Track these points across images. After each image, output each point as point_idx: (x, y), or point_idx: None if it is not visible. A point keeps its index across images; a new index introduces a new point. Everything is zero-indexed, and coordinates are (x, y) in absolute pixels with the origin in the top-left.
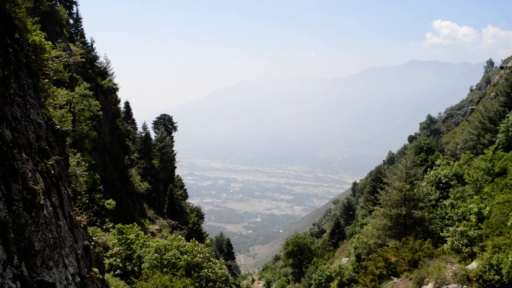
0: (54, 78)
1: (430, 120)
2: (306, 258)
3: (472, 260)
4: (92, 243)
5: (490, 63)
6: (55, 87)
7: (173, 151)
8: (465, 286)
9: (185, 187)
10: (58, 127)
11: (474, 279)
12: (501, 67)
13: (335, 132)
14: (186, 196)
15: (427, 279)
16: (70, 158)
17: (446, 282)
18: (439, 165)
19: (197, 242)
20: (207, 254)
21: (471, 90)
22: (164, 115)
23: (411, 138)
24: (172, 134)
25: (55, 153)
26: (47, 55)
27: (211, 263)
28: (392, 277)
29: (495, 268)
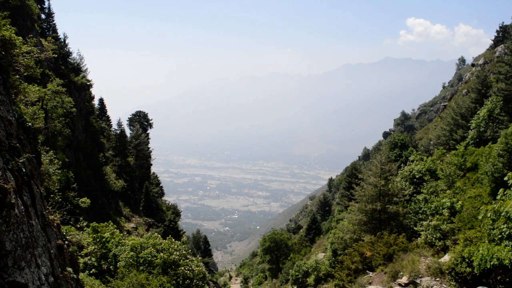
0: (25, 74)
1: (404, 117)
2: (283, 254)
3: (444, 253)
4: (66, 242)
5: (462, 60)
6: (26, 84)
7: (148, 148)
8: (438, 279)
9: (161, 185)
10: (30, 124)
11: (446, 271)
12: (473, 65)
13: (311, 128)
14: (162, 194)
15: (401, 273)
16: (42, 156)
17: (420, 275)
18: (412, 161)
19: (173, 240)
20: (184, 252)
21: (443, 87)
22: (140, 111)
23: (385, 134)
24: (148, 131)
25: (27, 151)
26: (18, 50)
27: (188, 260)
28: (367, 271)
29: (467, 260)
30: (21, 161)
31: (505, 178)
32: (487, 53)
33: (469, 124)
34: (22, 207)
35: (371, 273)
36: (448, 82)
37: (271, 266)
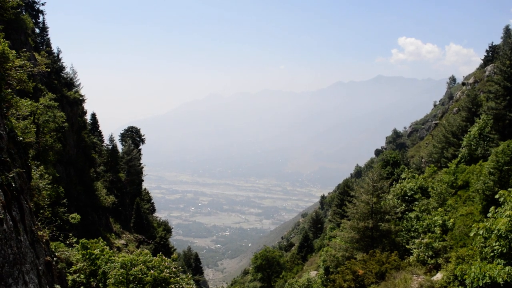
0: (18, 88)
1: (396, 134)
2: (275, 272)
3: (437, 272)
4: (55, 258)
5: (453, 79)
6: (18, 97)
7: (140, 164)
8: None
9: (152, 201)
10: (21, 138)
11: None
12: (463, 84)
13: (303, 145)
14: (153, 210)
15: None
16: (33, 170)
17: None
18: (404, 178)
19: (164, 257)
20: (174, 269)
21: (434, 105)
22: (132, 127)
23: (377, 152)
24: (140, 147)
25: (17, 165)
26: (11, 64)
27: (178, 278)
28: None
29: (459, 279)
30: (11, 175)
31: (496, 196)
32: (477, 72)
33: (460, 142)
34: (11, 223)
35: None
36: (439, 101)
37: (262, 284)
